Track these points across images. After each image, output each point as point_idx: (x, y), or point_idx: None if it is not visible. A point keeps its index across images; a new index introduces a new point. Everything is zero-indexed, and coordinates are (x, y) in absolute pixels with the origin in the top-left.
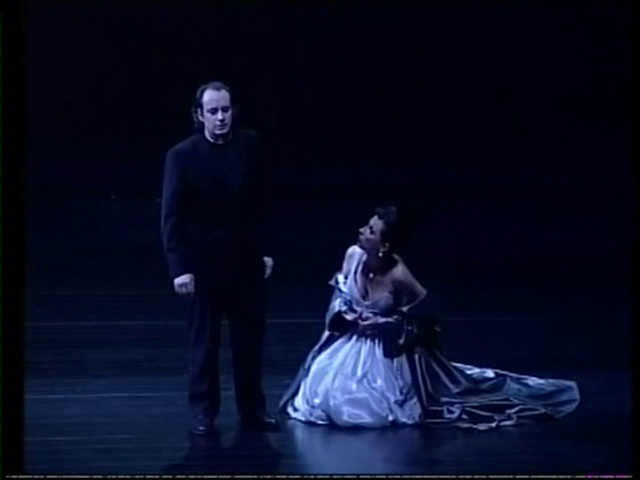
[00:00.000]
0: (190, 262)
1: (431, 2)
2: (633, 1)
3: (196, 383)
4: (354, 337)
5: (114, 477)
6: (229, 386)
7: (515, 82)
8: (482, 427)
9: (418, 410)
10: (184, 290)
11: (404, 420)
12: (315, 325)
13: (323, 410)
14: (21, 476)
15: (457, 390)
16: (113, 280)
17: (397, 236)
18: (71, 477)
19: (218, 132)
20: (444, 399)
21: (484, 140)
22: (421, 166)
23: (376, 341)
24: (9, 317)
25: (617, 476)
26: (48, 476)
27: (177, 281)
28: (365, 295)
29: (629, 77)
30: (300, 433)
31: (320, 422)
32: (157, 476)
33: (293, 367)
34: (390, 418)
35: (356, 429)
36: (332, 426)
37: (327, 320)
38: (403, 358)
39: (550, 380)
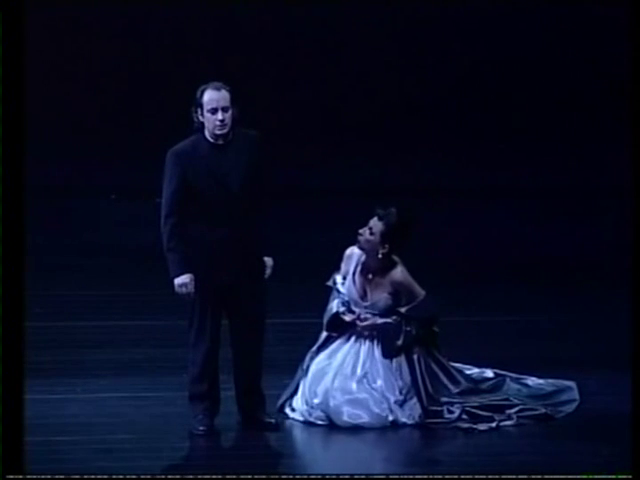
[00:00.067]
0: (190, 262)
1: (431, 2)
2: (633, 1)
3: (196, 383)
4: (352, 338)
5: (114, 477)
6: (229, 386)
7: (515, 82)
8: (482, 427)
9: (418, 410)
10: (184, 290)
11: (404, 420)
12: (315, 325)
13: (322, 410)
14: (21, 476)
15: (457, 390)
16: (113, 280)
17: (397, 238)
18: (71, 477)
19: (218, 132)
20: (444, 399)
21: (484, 140)
22: (421, 166)
23: (375, 342)
24: (9, 317)
25: (617, 476)
26: (48, 476)
27: (177, 281)
28: (364, 296)
29: (629, 77)
30: (300, 433)
31: (319, 422)
32: (157, 476)
33: (293, 367)
34: (390, 418)
35: (356, 429)
36: (332, 426)
37: (325, 321)
38: (402, 358)
39: (549, 380)
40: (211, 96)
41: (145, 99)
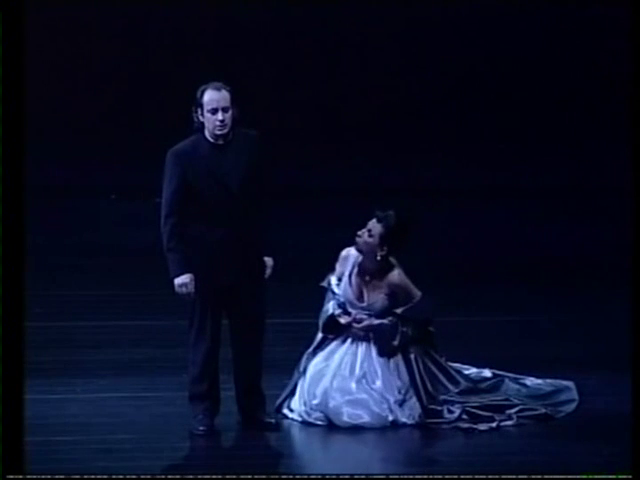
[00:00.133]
0: (190, 262)
1: (431, 2)
2: (633, 1)
3: (196, 383)
4: (349, 339)
5: (114, 477)
6: (229, 386)
7: (515, 82)
8: (482, 427)
9: (418, 410)
10: (184, 290)
11: (404, 420)
12: (315, 325)
13: (321, 411)
14: (21, 476)
15: (456, 390)
16: (113, 280)
17: (395, 240)
18: (71, 477)
19: (218, 132)
20: (443, 397)
21: (484, 140)
22: (421, 166)
23: (371, 343)
24: (9, 317)
25: (617, 476)
26: (48, 476)
27: (177, 281)
28: (360, 297)
29: (629, 77)
30: (300, 433)
31: (319, 422)
32: (157, 476)
33: (293, 367)
34: (390, 418)
35: (356, 429)
36: (332, 426)
37: (320, 323)
38: (399, 359)
39: (548, 380)
40: (211, 96)
41: (145, 99)
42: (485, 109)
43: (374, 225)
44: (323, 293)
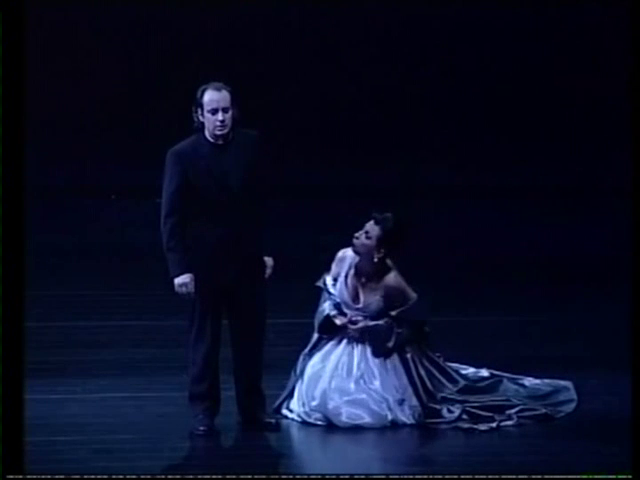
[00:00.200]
0: (190, 262)
1: (431, 2)
2: (633, 1)
3: (196, 383)
4: (345, 340)
5: (114, 477)
6: (229, 386)
7: (515, 82)
8: (482, 427)
9: (417, 409)
10: (184, 290)
11: (404, 419)
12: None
13: (321, 412)
14: (21, 476)
15: (455, 388)
16: (113, 280)
17: (392, 243)
18: (71, 477)
19: (218, 133)
20: (443, 395)
21: (484, 140)
22: (421, 166)
23: (367, 344)
24: (9, 317)
25: (617, 476)
26: (48, 476)
27: (177, 281)
28: (356, 298)
29: (629, 77)
30: (300, 433)
31: (319, 423)
32: (157, 476)
33: (293, 367)
34: (389, 418)
35: (356, 429)
36: (332, 427)
37: (316, 323)
38: (396, 359)
39: (546, 380)
40: (211, 96)
41: (145, 99)
42: (485, 109)
43: (372, 227)
44: (320, 293)
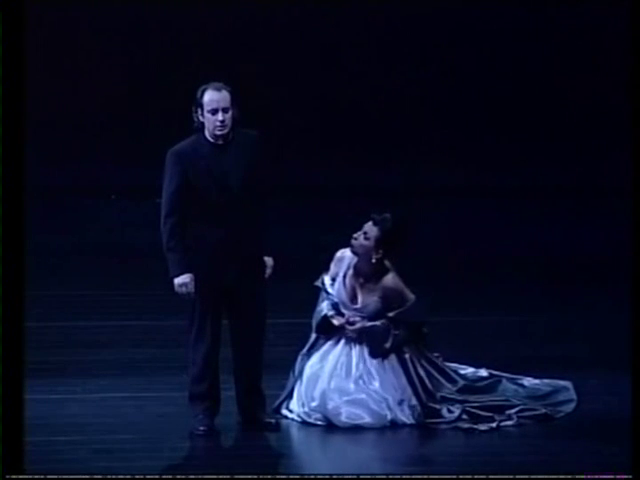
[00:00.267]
0: (190, 262)
1: (430, 2)
2: (633, 1)
3: (196, 383)
4: (342, 340)
5: (114, 477)
6: (229, 386)
7: (515, 82)
8: (482, 427)
9: (417, 408)
10: (184, 290)
11: (403, 419)
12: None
13: (320, 412)
14: (21, 476)
15: (455, 388)
16: (113, 280)
17: (391, 244)
18: (71, 477)
19: (218, 133)
20: (442, 394)
21: (484, 140)
22: (421, 166)
23: (364, 344)
24: (9, 317)
25: (617, 476)
26: (48, 476)
27: (177, 281)
28: (353, 299)
29: (629, 77)
30: (300, 433)
31: (319, 423)
32: (157, 476)
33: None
34: (389, 417)
35: (356, 429)
36: (332, 427)
37: (314, 323)
38: (394, 360)
39: (545, 380)
40: (211, 97)
41: (145, 99)
42: (485, 109)
43: (370, 228)
44: (318, 293)
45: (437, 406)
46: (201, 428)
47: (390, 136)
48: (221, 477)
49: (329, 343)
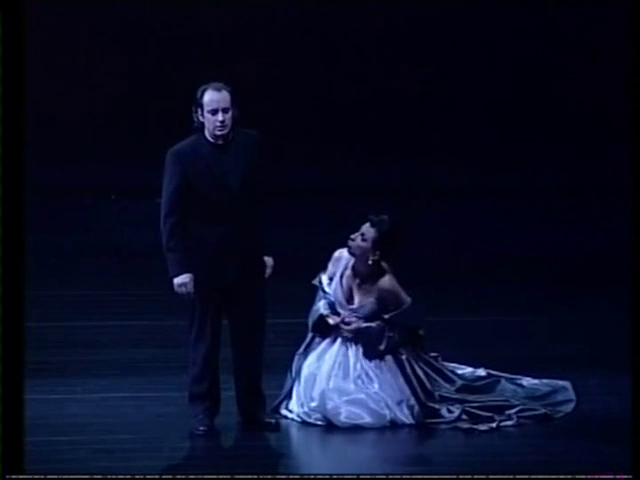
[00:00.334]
0: (190, 262)
1: (430, 2)
2: (633, 1)
3: (196, 383)
4: (339, 340)
5: (114, 477)
6: (229, 386)
7: (515, 82)
8: (482, 427)
9: (416, 408)
10: (184, 290)
11: (403, 419)
12: None
13: (320, 412)
14: (21, 476)
15: (453, 388)
16: (113, 280)
17: (388, 245)
18: (71, 477)
19: (218, 133)
20: (441, 393)
21: (484, 140)
22: (421, 166)
23: (359, 345)
24: (9, 317)
25: (617, 476)
26: (48, 476)
27: (177, 281)
28: (350, 299)
29: (629, 77)
30: (300, 433)
31: (319, 423)
32: (157, 476)
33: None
34: (389, 417)
35: (356, 429)
36: (332, 427)
37: (310, 321)
38: (391, 361)
39: (544, 380)
40: (211, 97)
41: (145, 99)
42: (485, 109)
43: (367, 229)
44: (315, 291)
45: (436, 406)
46: (201, 428)
47: (390, 136)
48: (221, 477)
49: (325, 342)
